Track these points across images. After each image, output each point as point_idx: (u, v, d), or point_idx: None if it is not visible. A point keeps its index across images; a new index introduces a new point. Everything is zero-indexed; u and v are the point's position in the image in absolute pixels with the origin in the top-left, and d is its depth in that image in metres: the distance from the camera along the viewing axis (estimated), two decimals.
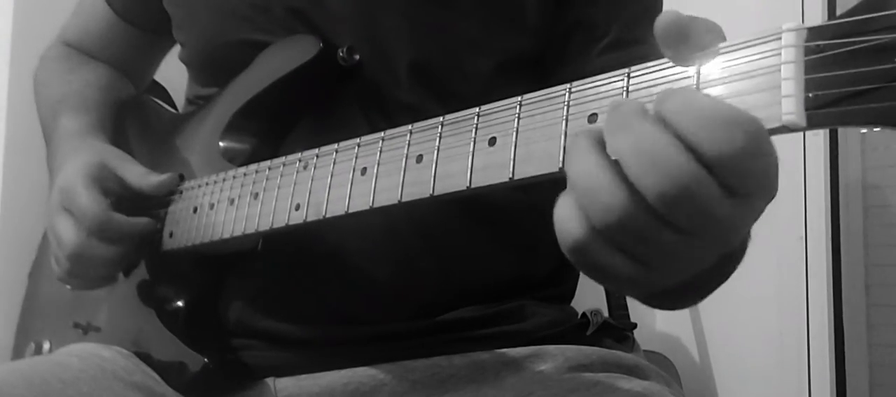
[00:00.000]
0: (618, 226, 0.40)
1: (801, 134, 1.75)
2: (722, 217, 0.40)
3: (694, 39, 0.42)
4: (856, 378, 1.74)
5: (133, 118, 0.96)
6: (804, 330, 1.74)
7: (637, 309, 1.82)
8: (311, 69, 0.72)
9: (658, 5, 0.77)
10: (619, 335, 0.82)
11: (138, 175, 0.80)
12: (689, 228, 0.40)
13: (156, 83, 1.16)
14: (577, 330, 0.79)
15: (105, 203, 0.77)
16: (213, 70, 0.83)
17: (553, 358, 0.73)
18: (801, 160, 1.71)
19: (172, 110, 0.97)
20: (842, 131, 1.76)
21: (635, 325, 1.71)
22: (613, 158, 0.40)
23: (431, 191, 0.53)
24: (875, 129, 0.37)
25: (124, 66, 1.00)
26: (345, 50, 0.72)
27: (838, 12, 0.39)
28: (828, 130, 1.76)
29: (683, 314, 1.99)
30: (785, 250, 1.75)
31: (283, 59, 0.74)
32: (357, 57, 0.73)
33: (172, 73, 0.96)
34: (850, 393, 1.72)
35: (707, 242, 0.42)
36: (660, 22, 0.42)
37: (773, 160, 0.39)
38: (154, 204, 0.80)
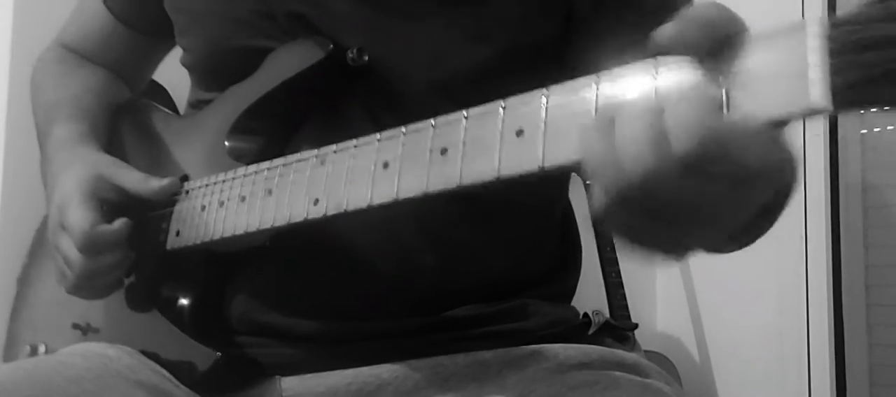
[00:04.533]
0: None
1: (801, 134, 1.74)
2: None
3: (733, 37, 0.43)
4: (856, 378, 1.74)
5: (130, 121, 0.95)
6: (804, 330, 1.74)
7: (637, 310, 1.82)
8: (321, 70, 0.72)
9: None
10: (620, 335, 0.82)
11: (137, 181, 0.80)
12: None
13: (156, 85, 1.15)
14: (579, 329, 0.79)
15: (93, 218, 0.76)
16: (215, 75, 0.83)
17: (555, 356, 0.73)
18: (801, 160, 1.71)
19: (172, 113, 0.97)
20: (842, 131, 1.76)
21: (636, 325, 1.71)
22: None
23: (459, 182, 0.53)
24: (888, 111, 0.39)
25: (122, 70, 0.99)
26: (354, 51, 0.72)
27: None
28: (827, 130, 1.77)
29: (683, 314, 1.99)
30: (785, 250, 1.76)
31: (293, 59, 0.74)
32: (366, 58, 0.73)
33: (173, 75, 0.96)
34: (850, 393, 1.72)
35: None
36: (707, 14, 0.43)
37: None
38: (158, 206, 0.80)
